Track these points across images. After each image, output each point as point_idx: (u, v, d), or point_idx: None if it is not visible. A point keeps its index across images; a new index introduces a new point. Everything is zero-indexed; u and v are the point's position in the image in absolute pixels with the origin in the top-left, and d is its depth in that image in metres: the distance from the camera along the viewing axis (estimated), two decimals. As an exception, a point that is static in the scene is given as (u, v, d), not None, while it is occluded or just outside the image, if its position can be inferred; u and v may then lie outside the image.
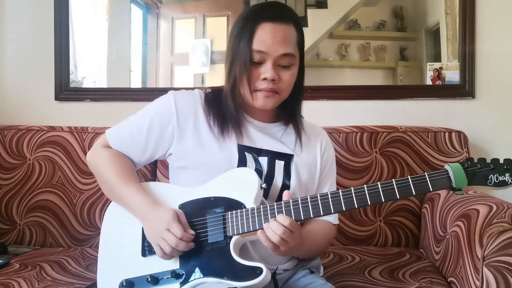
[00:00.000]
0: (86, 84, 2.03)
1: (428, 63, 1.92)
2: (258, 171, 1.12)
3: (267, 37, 1.07)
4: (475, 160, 0.98)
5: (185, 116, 1.15)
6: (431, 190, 0.96)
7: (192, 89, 1.23)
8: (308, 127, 1.25)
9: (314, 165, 1.21)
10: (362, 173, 1.70)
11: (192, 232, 1.05)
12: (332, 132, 1.71)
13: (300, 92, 1.19)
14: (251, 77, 1.09)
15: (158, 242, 1.04)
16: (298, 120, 1.20)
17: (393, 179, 0.98)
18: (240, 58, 1.08)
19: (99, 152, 1.19)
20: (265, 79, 1.08)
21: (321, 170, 1.23)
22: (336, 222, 1.24)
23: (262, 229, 1.00)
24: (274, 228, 0.98)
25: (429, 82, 1.90)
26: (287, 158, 1.17)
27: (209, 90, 1.21)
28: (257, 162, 1.14)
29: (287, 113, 1.20)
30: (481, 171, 0.96)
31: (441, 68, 1.90)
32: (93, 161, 1.21)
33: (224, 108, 1.15)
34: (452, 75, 1.88)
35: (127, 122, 1.20)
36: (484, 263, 1.10)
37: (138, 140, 1.17)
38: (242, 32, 1.09)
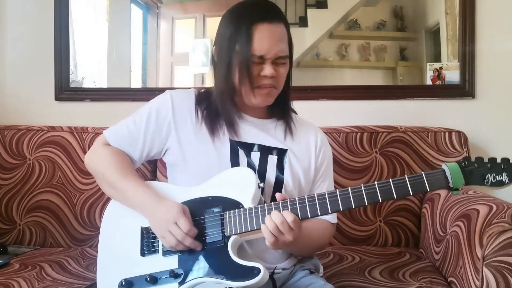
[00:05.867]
0: (86, 84, 2.03)
1: (428, 63, 1.92)
2: (250, 166, 1.14)
3: (265, 40, 1.09)
4: (472, 160, 0.98)
5: (180, 111, 1.18)
6: (428, 189, 0.96)
7: (189, 88, 1.26)
8: (302, 123, 1.28)
9: (308, 160, 1.22)
10: (362, 173, 1.70)
11: (196, 230, 1.05)
12: (332, 132, 1.71)
13: (289, 86, 1.23)
14: (252, 76, 1.11)
15: (164, 235, 1.05)
16: (288, 113, 1.24)
17: (390, 179, 0.98)
18: (240, 60, 1.10)
19: (98, 151, 1.20)
20: (265, 76, 1.11)
21: (317, 167, 1.23)
22: (335, 221, 1.24)
23: (260, 229, 1.01)
24: (274, 217, 0.99)
25: (429, 82, 1.90)
26: (280, 153, 1.18)
27: (202, 90, 1.25)
28: (249, 157, 1.16)
29: (279, 108, 1.22)
30: (478, 170, 0.96)
31: (441, 68, 1.90)
32: (92, 159, 1.22)
33: (214, 107, 1.18)
34: (452, 75, 1.88)
35: (125, 120, 1.23)
36: (484, 263, 1.09)
37: (136, 135, 1.19)
38: (237, 33, 1.10)
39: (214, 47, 1.19)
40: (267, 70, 1.11)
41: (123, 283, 1.09)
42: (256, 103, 1.15)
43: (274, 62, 1.12)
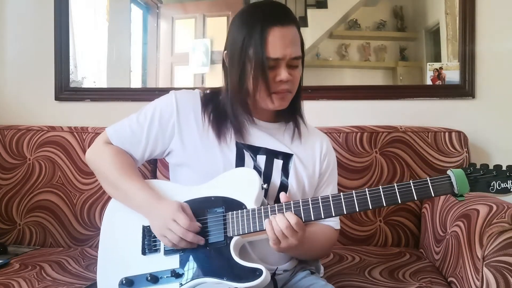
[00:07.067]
0: (86, 84, 2.03)
1: (428, 63, 1.92)
2: (256, 169, 1.12)
3: (279, 43, 1.07)
4: (478, 166, 0.97)
5: (185, 113, 1.17)
6: (433, 195, 0.96)
7: (193, 89, 1.24)
8: (309, 129, 1.26)
9: (312, 166, 1.21)
10: (362, 173, 1.70)
11: (199, 224, 1.05)
12: (332, 132, 1.71)
13: (300, 90, 1.20)
14: (268, 81, 1.09)
15: (164, 234, 1.05)
16: (297, 117, 1.22)
17: (394, 183, 0.98)
18: (255, 66, 1.07)
19: (100, 149, 1.19)
20: (280, 81, 1.09)
21: (321, 173, 1.22)
22: (338, 227, 1.24)
23: (262, 230, 1.01)
24: (279, 220, 0.99)
25: (429, 82, 1.90)
26: (286, 158, 1.17)
27: (208, 91, 1.23)
28: (255, 160, 1.15)
29: (288, 111, 1.20)
30: (484, 177, 0.95)
31: (441, 68, 1.90)
32: (94, 157, 1.21)
33: (221, 109, 1.16)
34: (452, 75, 1.88)
35: (128, 119, 1.21)
36: (484, 263, 1.10)
37: (139, 135, 1.18)
38: (250, 38, 1.08)
39: (225, 51, 1.16)
40: (283, 74, 1.09)
41: (124, 281, 1.09)
42: (272, 107, 1.13)
43: (289, 65, 1.10)
